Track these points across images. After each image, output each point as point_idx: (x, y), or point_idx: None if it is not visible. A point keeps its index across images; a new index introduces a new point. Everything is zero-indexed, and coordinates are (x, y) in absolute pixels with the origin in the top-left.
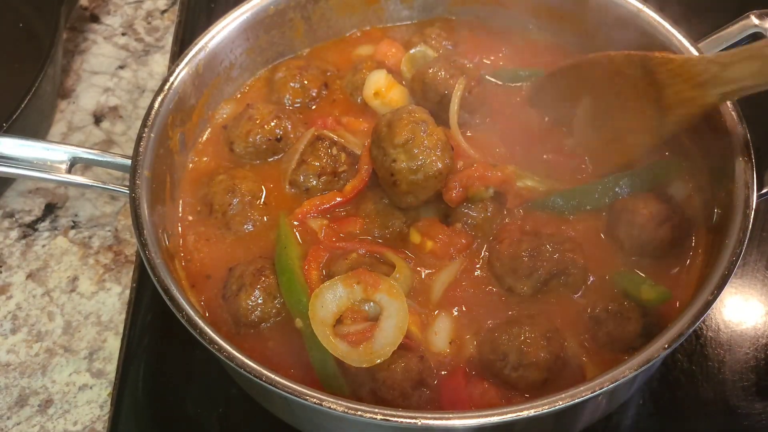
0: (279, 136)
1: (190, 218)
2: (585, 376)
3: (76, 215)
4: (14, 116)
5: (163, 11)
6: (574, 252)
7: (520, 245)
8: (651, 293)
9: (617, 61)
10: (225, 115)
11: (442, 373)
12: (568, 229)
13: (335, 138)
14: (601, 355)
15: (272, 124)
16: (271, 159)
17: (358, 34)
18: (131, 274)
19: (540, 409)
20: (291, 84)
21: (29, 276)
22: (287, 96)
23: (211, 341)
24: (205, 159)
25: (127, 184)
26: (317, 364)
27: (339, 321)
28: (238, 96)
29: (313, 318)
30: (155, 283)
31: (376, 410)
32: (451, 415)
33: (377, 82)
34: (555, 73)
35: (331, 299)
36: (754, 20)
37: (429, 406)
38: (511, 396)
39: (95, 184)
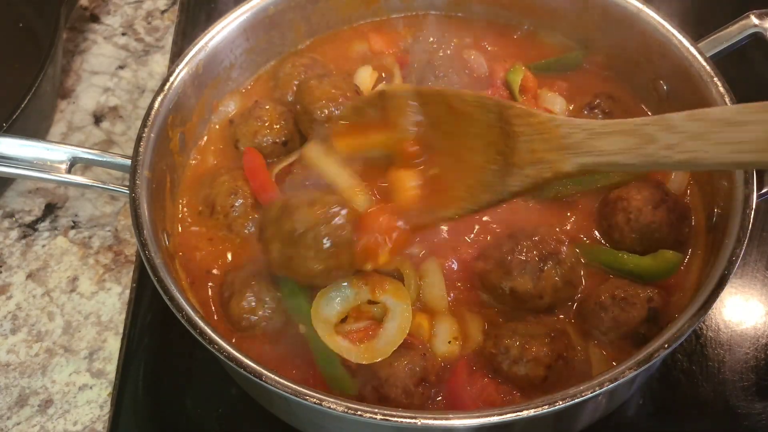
0: (285, 141)
1: (191, 219)
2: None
3: (76, 215)
4: (14, 116)
5: (163, 11)
6: (551, 235)
7: (501, 249)
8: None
9: (468, 100)
10: (231, 110)
11: (446, 367)
12: (561, 229)
13: None
14: (606, 350)
15: (280, 124)
16: (271, 161)
17: (365, 23)
18: (131, 274)
19: (540, 409)
20: (295, 82)
21: (29, 276)
22: (289, 93)
23: (211, 341)
24: (207, 156)
25: (127, 184)
26: (324, 365)
27: (342, 319)
28: (244, 91)
29: (315, 316)
30: (155, 283)
31: (376, 410)
32: (451, 415)
33: (363, 78)
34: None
35: (336, 299)
36: (754, 20)
37: (431, 402)
38: (511, 392)
39: (95, 184)
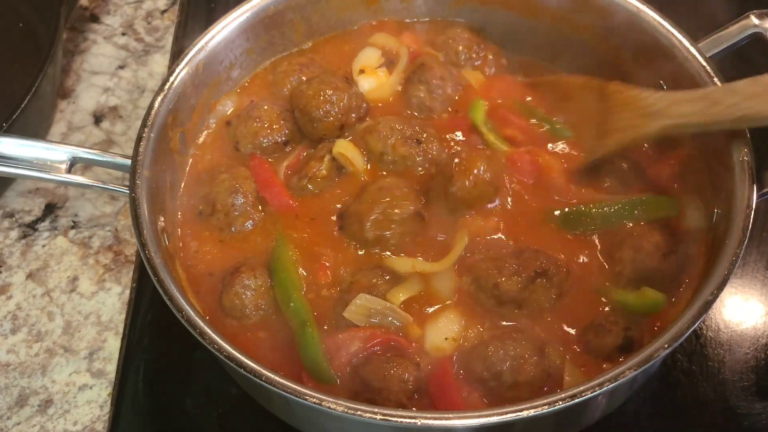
0: (286, 140)
1: (191, 218)
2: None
3: (76, 215)
4: (14, 116)
5: (163, 11)
6: (547, 256)
7: (501, 260)
8: (644, 297)
9: (576, 84)
10: (228, 110)
11: (429, 367)
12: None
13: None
14: (581, 363)
15: (279, 124)
16: (272, 159)
17: (373, 23)
18: (131, 274)
19: (540, 409)
20: (291, 78)
21: (29, 276)
22: (285, 89)
23: (211, 341)
24: (205, 154)
25: (127, 184)
26: (305, 355)
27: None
28: (239, 90)
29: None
30: (155, 283)
31: (376, 410)
32: (451, 415)
33: (369, 58)
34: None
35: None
36: (754, 20)
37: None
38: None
39: (95, 184)
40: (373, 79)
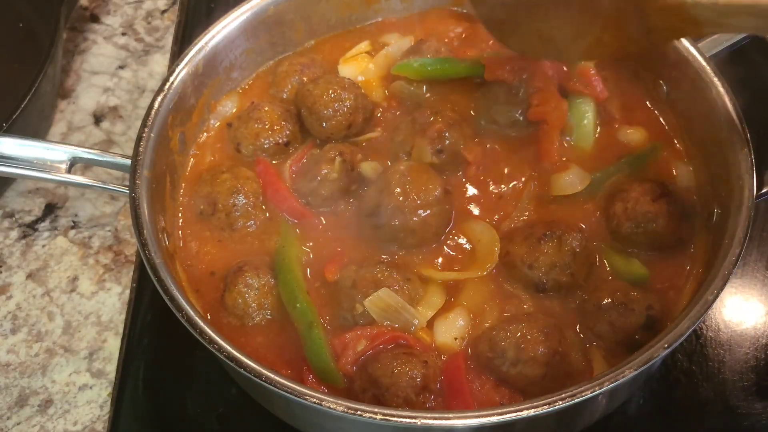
0: (287, 141)
1: (191, 218)
2: (591, 370)
3: (76, 215)
4: (14, 116)
5: (163, 11)
6: (563, 223)
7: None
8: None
9: None
10: (229, 111)
11: (443, 357)
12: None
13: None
14: (603, 349)
15: (281, 125)
16: (275, 161)
17: (378, 21)
18: (131, 274)
19: (540, 408)
20: (291, 79)
21: (29, 276)
22: (285, 91)
23: (211, 341)
24: (206, 154)
25: (127, 184)
26: (312, 356)
27: None
28: (241, 90)
29: None
30: (155, 283)
31: (376, 410)
32: (451, 415)
33: (357, 49)
34: None
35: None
36: None
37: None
38: (509, 393)
39: (95, 184)
40: (353, 67)
